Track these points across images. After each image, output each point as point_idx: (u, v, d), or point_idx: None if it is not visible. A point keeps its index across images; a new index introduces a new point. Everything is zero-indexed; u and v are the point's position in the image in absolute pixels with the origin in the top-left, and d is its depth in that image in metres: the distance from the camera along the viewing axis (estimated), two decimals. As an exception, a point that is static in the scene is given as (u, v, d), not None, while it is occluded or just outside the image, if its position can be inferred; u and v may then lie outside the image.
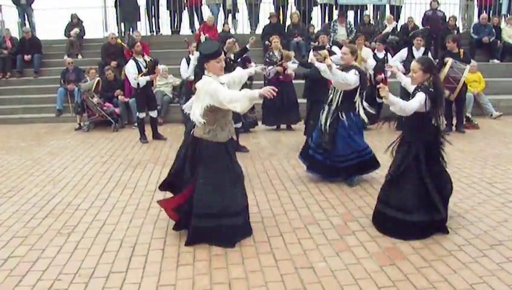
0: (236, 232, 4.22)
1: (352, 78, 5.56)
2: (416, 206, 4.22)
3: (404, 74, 8.80)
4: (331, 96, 5.85)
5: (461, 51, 8.99)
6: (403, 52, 9.42)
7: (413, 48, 9.33)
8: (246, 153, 7.64)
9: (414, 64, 4.30)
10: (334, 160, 5.82)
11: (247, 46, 8.05)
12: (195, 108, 4.14)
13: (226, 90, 4.03)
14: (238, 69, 4.73)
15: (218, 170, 4.14)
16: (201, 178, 4.13)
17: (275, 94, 3.88)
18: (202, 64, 4.18)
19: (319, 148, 5.94)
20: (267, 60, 9.26)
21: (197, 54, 6.37)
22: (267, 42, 11.40)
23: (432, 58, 4.73)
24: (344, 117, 5.72)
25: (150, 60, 8.59)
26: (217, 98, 3.96)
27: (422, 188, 4.23)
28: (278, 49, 9.13)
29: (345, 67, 5.73)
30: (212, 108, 4.04)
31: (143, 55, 8.63)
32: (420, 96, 4.14)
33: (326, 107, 5.89)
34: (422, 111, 4.17)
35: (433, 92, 4.17)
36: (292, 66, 8.84)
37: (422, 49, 9.30)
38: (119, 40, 11.89)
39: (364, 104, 5.81)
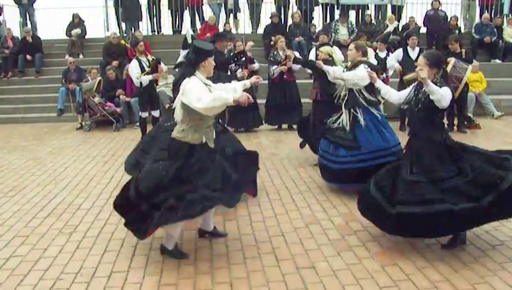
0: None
1: (362, 73, 5.34)
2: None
3: (401, 73, 8.87)
4: (346, 95, 5.64)
5: (463, 51, 8.97)
6: (399, 52, 9.32)
7: (409, 47, 9.24)
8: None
9: (420, 59, 4.12)
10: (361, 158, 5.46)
11: (246, 49, 7.94)
12: (176, 108, 4.01)
13: (200, 91, 3.78)
14: (234, 82, 4.46)
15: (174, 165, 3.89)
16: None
17: (252, 101, 3.78)
18: (197, 62, 3.97)
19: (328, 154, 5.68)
20: (271, 59, 9.26)
21: (184, 52, 6.15)
22: (272, 42, 11.36)
23: (442, 55, 4.53)
24: (359, 113, 5.49)
25: (153, 59, 8.58)
26: (188, 96, 3.77)
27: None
28: (282, 49, 9.11)
29: (353, 65, 5.60)
30: (187, 107, 3.85)
31: (146, 55, 8.63)
32: (447, 90, 3.95)
33: (343, 108, 5.65)
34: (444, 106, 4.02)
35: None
36: (296, 67, 8.83)
37: (418, 48, 9.21)
38: (122, 41, 11.89)
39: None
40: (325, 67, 5.98)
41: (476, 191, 3.77)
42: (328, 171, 5.67)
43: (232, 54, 7.20)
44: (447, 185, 3.85)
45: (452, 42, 9.04)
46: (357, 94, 5.50)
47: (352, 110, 5.53)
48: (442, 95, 3.89)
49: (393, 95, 4.69)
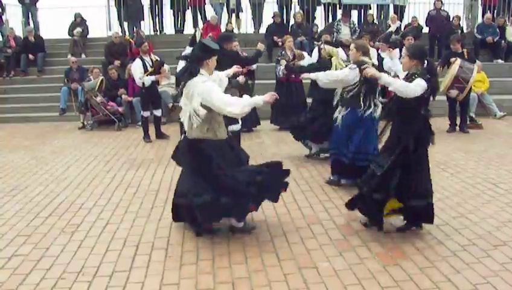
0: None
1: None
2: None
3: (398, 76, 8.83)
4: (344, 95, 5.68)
5: (465, 50, 8.95)
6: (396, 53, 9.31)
7: (405, 48, 9.21)
8: (249, 153, 7.62)
9: (404, 50, 4.42)
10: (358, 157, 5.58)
11: (261, 49, 7.55)
12: (187, 108, 4.10)
13: (220, 92, 4.00)
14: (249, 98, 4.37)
15: (226, 166, 4.12)
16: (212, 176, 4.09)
17: (277, 96, 3.95)
18: (202, 59, 4.07)
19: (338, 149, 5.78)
20: (279, 59, 9.27)
21: (190, 49, 6.13)
22: (280, 42, 11.35)
23: (425, 48, 4.67)
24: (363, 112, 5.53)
25: (156, 60, 8.59)
26: (210, 99, 3.91)
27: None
28: (290, 49, 9.10)
29: (356, 64, 5.60)
30: (206, 106, 3.99)
31: (149, 55, 8.64)
32: (421, 82, 4.05)
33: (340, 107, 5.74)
34: (418, 98, 4.09)
35: (430, 80, 4.14)
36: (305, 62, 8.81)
37: None
38: (127, 37, 11.90)
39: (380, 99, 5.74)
40: (313, 75, 6.02)
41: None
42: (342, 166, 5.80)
43: (252, 54, 7.24)
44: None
45: (454, 42, 9.03)
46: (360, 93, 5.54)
47: (349, 108, 5.61)
48: (400, 87, 4.04)
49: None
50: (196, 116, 4.03)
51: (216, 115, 4.10)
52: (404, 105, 4.17)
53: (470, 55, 9.05)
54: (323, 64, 6.74)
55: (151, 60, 8.53)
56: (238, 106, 3.92)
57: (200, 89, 3.96)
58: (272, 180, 4.33)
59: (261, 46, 7.46)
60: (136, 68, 8.46)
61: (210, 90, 3.93)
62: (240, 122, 6.42)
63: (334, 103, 5.94)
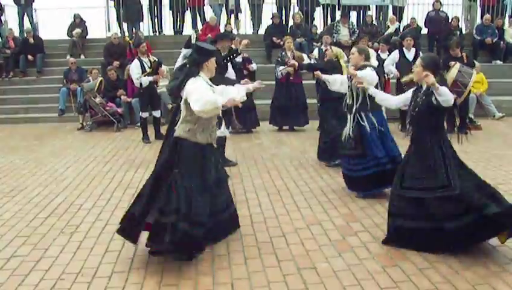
0: (191, 242, 3.83)
1: (372, 73, 5.27)
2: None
3: (398, 77, 8.80)
4: (350, 100, 5.53)
5: (464, 55, 8.92)
6: (395, 54, 9.23)
7: (404, 48, 9.16)
8: (248, 154, 7.63)
9: (418, 60, 4.25)
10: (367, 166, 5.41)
11: (239, 48, 7.12)
12: (182, 107, 4.05)
13: (201, 92, 3.79)
14: (237, 86, 4.47)
15: (194, 173, 3.93)
16: (183, 184, 3.86)
17: (240, 105, 3.92)
18: (201, 63, 4.02)
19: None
20: (279, 60, 9.25)
21: (186, 51, 6.07)
22: (281, 42, 11.34)
23: (439, 59, 4.58)
24: (364, 118, 5.39)
25: (154, 60, 8.60)
26: (190, 96, 3.81)
27: None
28: (290, 50, 9.08)
29: (357, 69, 5.56)
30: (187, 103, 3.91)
31: (148, 56, 8.65)
32: (447, 90, 3.95)
33: (348, 114, 5.56)
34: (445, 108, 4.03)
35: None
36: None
37: (413, 49, 9.12)
38: (126, 38, 11.90)
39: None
40: (324, 77, 5.99)
41: (456, 209, 3.86)
42: (348, 179, 5.64)
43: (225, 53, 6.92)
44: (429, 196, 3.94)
45: (454, 47, 8.93)
46: (363, 100, 5.44)
47: (357, 116, 5.42)
48: (450, 98, 3.90)
49: (392, 102, 4.80)
50: (183, 113, 3.98)
51: (204, 118, 3.94)
52: (426, 119, 4.10)
53: (469, 59, 9.02)
54: (329, 65, 6.74)
55: (150, 61, 8.53)
56: (200, 102, 3.73)
57: (188, 88, 3.89)
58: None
59: (243, 44, 7.02)
60: (133, 69, 8.48)
61: (195, 88, 3.83)
62: (223, 128, 6.15)
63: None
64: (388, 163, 5.31)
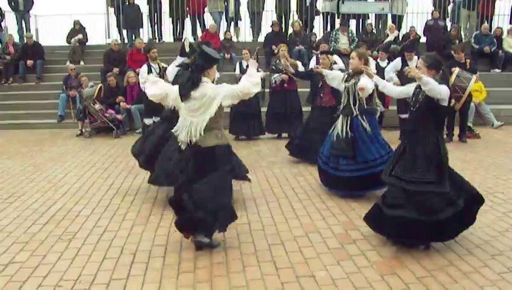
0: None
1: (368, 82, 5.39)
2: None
3: (400, 85, 8.75)
4: (345, 102, 5.66)
5: (468, 61, 8.92)
6: (397, 62, 9.19)
7: (421, 59, 9.15)
8: (247, 162, 7.62)
9: (420, 61, 4.37)
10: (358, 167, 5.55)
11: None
12: (202, 117, 4.15)
13: (232, 85, 4.29)
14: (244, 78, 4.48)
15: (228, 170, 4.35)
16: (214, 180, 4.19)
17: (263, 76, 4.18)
18: (204, 69, 4.18)
19: (329, 159, 5.75)
20: (273, 67, 9.27)
21: (181, 59, 6.06)
22: (275, 50, 11.38)
23: (440, 58, 4.68)
24: (362, 121, 5.54)
25: (163, 66, 8.59)
26: (232, 92, 4.17)
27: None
28: (284, 58, 9.09)
29: (356, 73, 5.58)
30: (220, 112, 4.22)
31: (157, 62, 8.65)
32: (445, 88, 4.10)
33: (341, 115, 5.70)
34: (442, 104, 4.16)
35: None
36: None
37: (416, 57, 9.09)
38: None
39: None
40: (325, 72, 6.13)
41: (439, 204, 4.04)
42: (328, 176, 5.85)
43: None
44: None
45: (458, 52, 8.92)
46: (360, 103, 5.55)
47: (349, 117, 5.60)
48: (439, 88, 4.02)
49: (393, 90, 4.94)
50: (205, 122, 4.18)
51: (221, 121, 4.35)
52: (425, 115, 4.23)
53: (472, 65, 8.99)
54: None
55: (159, 67, 8.53)
56: (247, 87, 4.22)
57: (218, 92, 4.16)
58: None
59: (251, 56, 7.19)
60: (142, 73, 8.47)
61: (228, 86, 4.27)
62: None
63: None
64: (378, 166, 5.40)
